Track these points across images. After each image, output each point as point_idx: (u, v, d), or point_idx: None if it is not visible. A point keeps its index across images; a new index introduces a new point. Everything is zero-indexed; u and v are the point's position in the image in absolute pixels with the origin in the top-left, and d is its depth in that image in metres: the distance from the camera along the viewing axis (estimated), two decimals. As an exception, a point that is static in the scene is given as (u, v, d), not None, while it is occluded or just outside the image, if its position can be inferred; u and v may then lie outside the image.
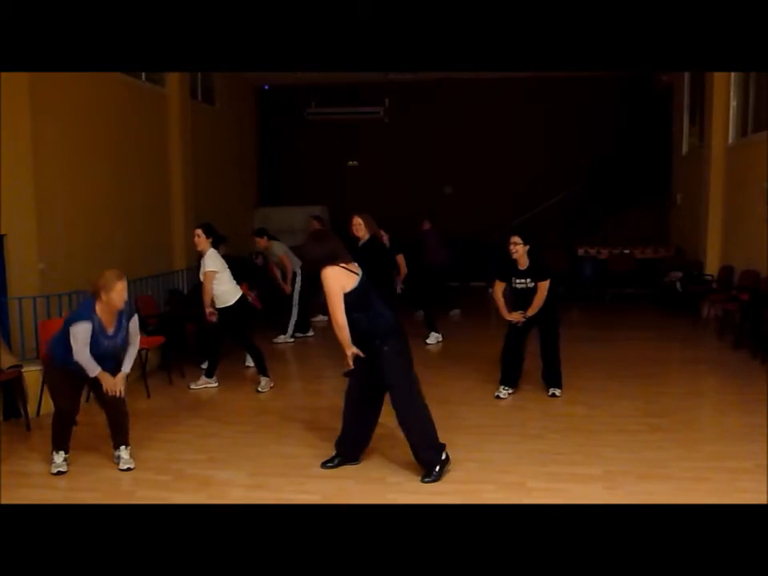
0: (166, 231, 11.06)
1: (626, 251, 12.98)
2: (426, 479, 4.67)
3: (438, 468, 4.70)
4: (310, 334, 9.91)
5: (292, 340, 9.55)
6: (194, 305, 7.95)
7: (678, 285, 11.10)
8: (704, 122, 11.36)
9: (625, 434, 5.57)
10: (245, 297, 7.27)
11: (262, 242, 9.42)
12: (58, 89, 8.07)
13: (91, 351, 4.79)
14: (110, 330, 4.89)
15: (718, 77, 10.62)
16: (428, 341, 9.13)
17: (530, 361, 6.87)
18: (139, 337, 5.17)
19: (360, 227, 7.15)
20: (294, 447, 5.44)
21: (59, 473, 4.94)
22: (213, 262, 6.91)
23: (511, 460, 5.06)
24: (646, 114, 14.62)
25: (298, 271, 9.43)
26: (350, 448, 5.01)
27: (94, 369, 4.83)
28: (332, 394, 6.80)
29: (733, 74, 10.49)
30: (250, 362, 7.98)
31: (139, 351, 5.32)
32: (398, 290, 8.21)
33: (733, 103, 10.63)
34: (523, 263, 6.34)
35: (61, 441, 5.01)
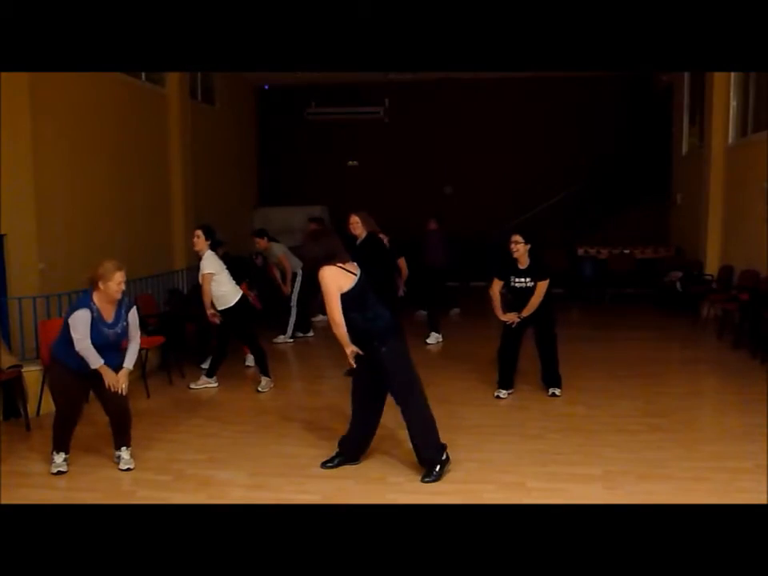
0: (166, 231, 11.06)
1: (626, 251, 12.99)
2: (427, 479, 4.67)
3: (438, 468, 4.70)
4: (311, 334, 9.92)
5: (292, 340, 9.56)
6: (194, 305, 7.96)
7: (678, 285, 11.11)
8: (704, 122, 11.36)
9: (625, 433, 5.57)
10: (245, 297, 7.27)
11: (262, 243, 9.43)
12: (57, 89, 8.06)
13: (92, 341, 4.77)
14: (109, 320, 4.87)
15: (718, 77, 10.62)
16: (428, 340, 9.14)
17: (528, 361, 6.87)
18: (139, 332, 5.16)
19: (357, 225, 7.13)
20: (294, 447, 5.44)
21: (59, 473, 4.94)
22: (211, 264, 6.91)
23: (511, 460, 5.06)
24: (645, 114, 14.62)
25: (299, 272, 9.44)
26: (353, 448, 5.01)
27: (95, 360, 4.80)
28: (332, 394, 6.81)
29: (733, 73, 10.50)
30: (250, 362, 7.99)
31: (139, 351, 5.31)
32: (400, 293, 8.21)
33: (733, 103, 10.63)
34: (524, 262, 6.34)
35: (61, 442, 5.01)
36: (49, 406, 5.72)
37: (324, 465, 4.97)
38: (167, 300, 9.56)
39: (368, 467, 4.96)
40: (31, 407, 6.15)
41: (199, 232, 7.00)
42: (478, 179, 15.11)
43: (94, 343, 4.78)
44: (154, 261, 10.17)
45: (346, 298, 4.58)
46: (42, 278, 7.72)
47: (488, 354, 7.41)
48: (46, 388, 5.81)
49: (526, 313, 6.35)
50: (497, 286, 6.49)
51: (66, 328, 4.82)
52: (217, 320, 7.02)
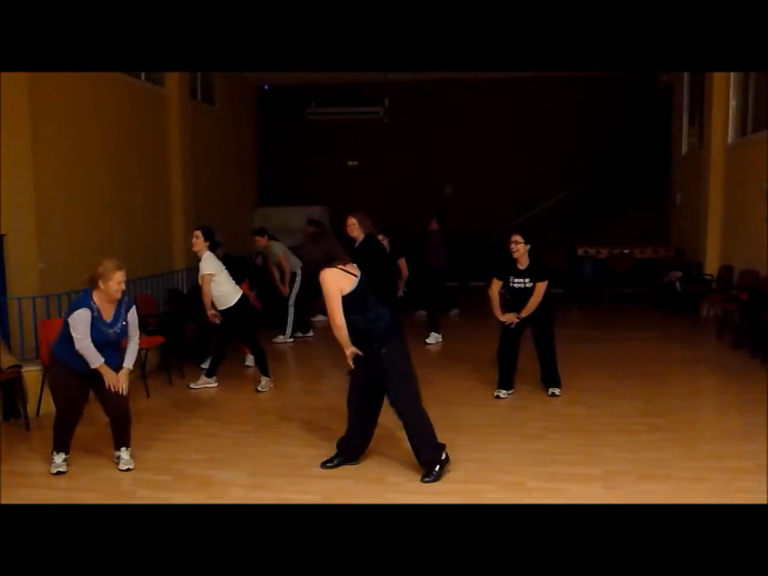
0: (166, 231, 11.05)
1: (626, 251, 12.99)
2: (426, 479, 4.67)
3: (438, 468, 4.71)
4: (310, 334, 9.92)
5: (291, 340, 9.56)
6: (194, 305, 7.96)
7: (678, 285, 11.11)
8: (703, 122, 11.36)
9: (625, 433, 5.57)
10: (245, 297, 7.27)
11: (261, 241, 9.43)
12: (57, 89, 8.06)
13: (92, 340, 4.76)
14: (109, 320, 4.87)
15: (718, 77, 10.62)
16: (428, 340, 9.15)
17: (528, 361, 6.87)
18: (138, 331, 5.16)
19: (354, 227, 7.08)
20: (294, 447, 5.44)
21: (59, 473, 4.94)
22: (210, 265, 6.91)
23: (511, 460, 5.06)
24: (645, 114, 14.62)
25: (298, 272, 9.44)
26: (352, 448, 5.01)
27: (95, 360, 4.79)
28: (332, 394, 6.80)
29: (732, 74, 10.50)
30: (249, 362, 7.99)
31: (139, 351, 5.31)
32: (400, 293, 8.20)
33: (732, 103, 10.63)
34: (523, 262, 6.34)
35: (61, 442, 5.01)
36: (49, 406, 5.72)
37: (324, 465, 4.97)
38: (167, 300, 9.56)
39: (367, 467, 4.96)
40: (31, 407, 6.16)
41: (198, 233, 7.00)
42: (478, 179, 15.11)
43: (93, 342, 4.77)
44: (154, 261, 10.17)
45: (347, 299, 4.58)
46: (41, 278, 7.72)
47: (488, 354, 7.41)
48: (45, 388, 5.82)
49: (524, 313, 6.35)
50: (496, 286, 6.48)
51: (65, 327, 4.82)
52: (218, 320, 7.03)
